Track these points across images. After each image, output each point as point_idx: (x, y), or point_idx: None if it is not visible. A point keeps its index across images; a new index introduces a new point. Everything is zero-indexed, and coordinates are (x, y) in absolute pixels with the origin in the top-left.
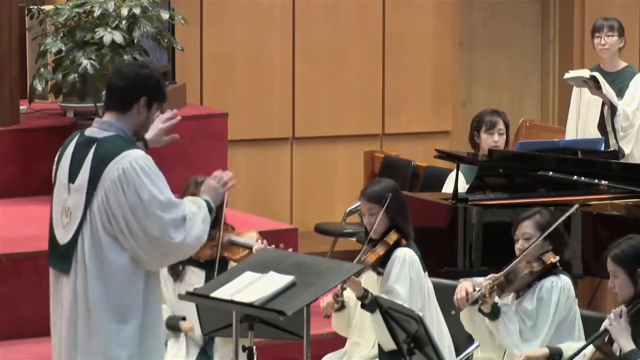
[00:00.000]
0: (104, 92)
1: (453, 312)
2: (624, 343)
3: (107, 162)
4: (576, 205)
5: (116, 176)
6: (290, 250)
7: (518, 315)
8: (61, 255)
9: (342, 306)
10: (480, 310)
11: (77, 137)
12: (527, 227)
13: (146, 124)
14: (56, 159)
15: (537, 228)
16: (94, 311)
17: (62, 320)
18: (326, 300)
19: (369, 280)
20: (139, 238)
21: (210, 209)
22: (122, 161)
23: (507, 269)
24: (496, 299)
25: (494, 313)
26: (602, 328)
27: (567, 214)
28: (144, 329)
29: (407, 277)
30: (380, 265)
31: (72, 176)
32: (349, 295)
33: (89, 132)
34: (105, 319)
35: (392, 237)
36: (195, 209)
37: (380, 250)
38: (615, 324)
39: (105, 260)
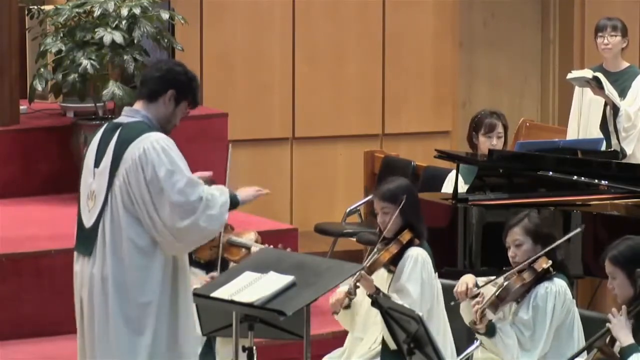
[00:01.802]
0: (138, 82)
1: (452, 303)
2: (624, 338)
3: (129, 143)
4: (579, 230)
5: (137, 156)
6: (288, 250)
7: (515, 326)
8: (86, 238)
9: (348, 305)
10: (475, 331)
11: (106, 124)
12: (516, 234)
13: (171, 119)
14: (86, 147)
15: (526, 233)
16: (110, 293)
17: (84, 303)
18: (335, 297)
19: (379, 278)
20: (154, 219)
21: (235, 202)
22: (144, 141)
23: (497, 290)
24: (491, 315)
25: (490, 332)
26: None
27: (568, 236)
28: (161, 319)
29: (419, 277)
30: (392, 263)
31: (98, 161)
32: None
33: (117, 119)
34: (121, 301)
35: (406, 236)
36: (216, 192)
37: (393, 249)
38: (616, 321)
39: (125, 242)
